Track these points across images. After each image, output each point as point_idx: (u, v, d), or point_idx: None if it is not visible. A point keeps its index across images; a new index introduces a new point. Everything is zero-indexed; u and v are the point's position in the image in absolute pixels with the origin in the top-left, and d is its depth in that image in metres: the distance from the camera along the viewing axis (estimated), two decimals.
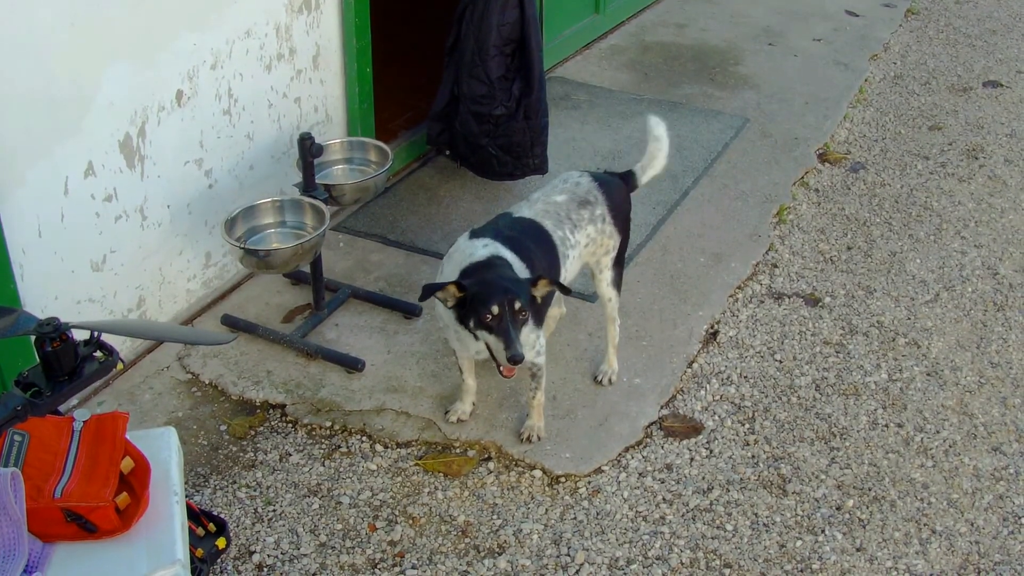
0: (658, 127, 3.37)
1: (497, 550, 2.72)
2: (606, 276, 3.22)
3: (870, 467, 3.06)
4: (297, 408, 3.20)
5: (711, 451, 3.12)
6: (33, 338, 1.75)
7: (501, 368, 2.68)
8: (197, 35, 3.26)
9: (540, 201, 3.05)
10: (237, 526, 2.76)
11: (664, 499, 2.92)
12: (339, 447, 3.07)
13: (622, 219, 3.19)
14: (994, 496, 2.97)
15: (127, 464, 1.91)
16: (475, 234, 2.90)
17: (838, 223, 4.45)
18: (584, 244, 3.06)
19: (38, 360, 1.77)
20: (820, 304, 3.87)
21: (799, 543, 2.78)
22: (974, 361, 3.58)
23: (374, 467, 3.00)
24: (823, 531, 2.82)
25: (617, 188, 3.22)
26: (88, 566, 1.80)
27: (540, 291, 2.69)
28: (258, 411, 3.21)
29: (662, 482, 2.98)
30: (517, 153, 4.26)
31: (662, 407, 3.29)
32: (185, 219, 3.45)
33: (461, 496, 2.91)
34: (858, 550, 2.76)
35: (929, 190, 4.75)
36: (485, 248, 2.78)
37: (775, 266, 4.10)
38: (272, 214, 3.46)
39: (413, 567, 2.65)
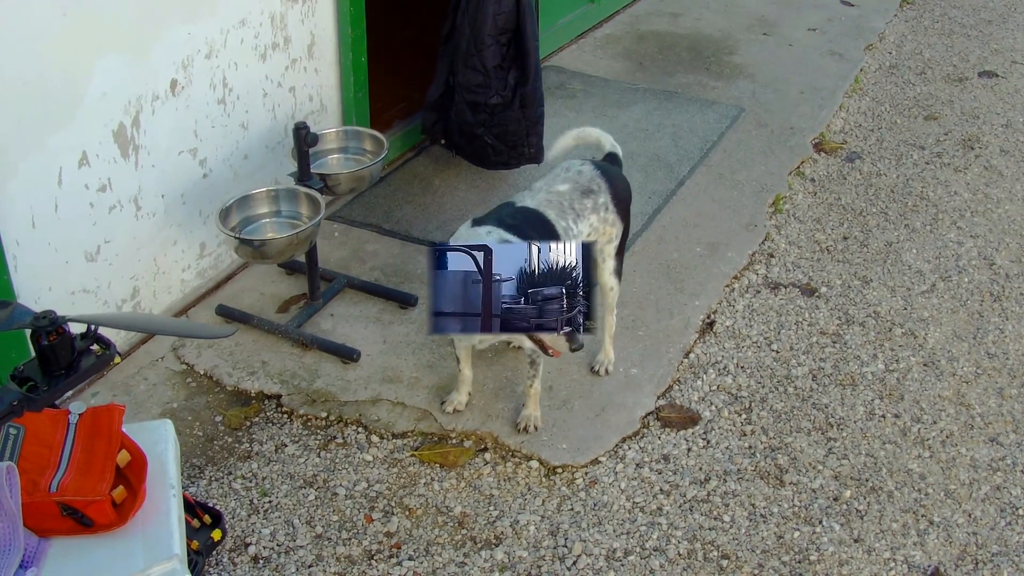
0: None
1: (494, 541, 2.72)
2: (608, 265, 3.21)
3: (867, 458, 3.07)
4: (292, 399, 3.19)
5: (708, 442, 3.12)
6: (29, 332, 1.74)
7: (549, 351, 2.68)
8: (191, 24, 3.22)
9: (543, 191, 3.03)
10: (233, 517, 2.75)
11: (661, 490, 2.92)
12: (335, 438, 3.06)
13: (624, 207, 3.18)
14: (991, 487, 2.98)
15: (123, 458, 1.89)
16: (477, 222, 2.87)
17: (834, 213, 4.45)
18: (587, 234, 3.04)
19: (34, 354, 1.75)
20: (816, 294, 3.87)
21: (796, 534, 2.78)
22: (971, 351, 3.58)
23: (369, 458, 2.99)
24: (820, 522, 2.82)
25: (618, 176, 3.22)
26: (84, 561, 1.78)
27: None
28: (253, 402, 3.19)
29: (659, 473, 2.98)
30: (513, 142, 4.24)
31: (659, 397, 3.29)
32: (179, 209, 3.43)
33: (457, 487, 2.90)
34: (856, 541, 2.76)
35: (925, 180, 4.75)
36: (489, 235, 2.76)
37: (771, 256, 4.09)
38: (267, 204, 3.43)
39: (410, 558, 2.64)
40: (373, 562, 2.63)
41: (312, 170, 3.44)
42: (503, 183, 4.46)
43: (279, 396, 3.20)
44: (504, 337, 2.93)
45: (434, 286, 2.62)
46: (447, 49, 4.27)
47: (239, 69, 3.51)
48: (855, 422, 3.21)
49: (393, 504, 2.83)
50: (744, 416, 3.23)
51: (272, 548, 2.67)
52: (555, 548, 2.70)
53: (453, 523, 2.78)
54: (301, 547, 2.67)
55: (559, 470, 2.97)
